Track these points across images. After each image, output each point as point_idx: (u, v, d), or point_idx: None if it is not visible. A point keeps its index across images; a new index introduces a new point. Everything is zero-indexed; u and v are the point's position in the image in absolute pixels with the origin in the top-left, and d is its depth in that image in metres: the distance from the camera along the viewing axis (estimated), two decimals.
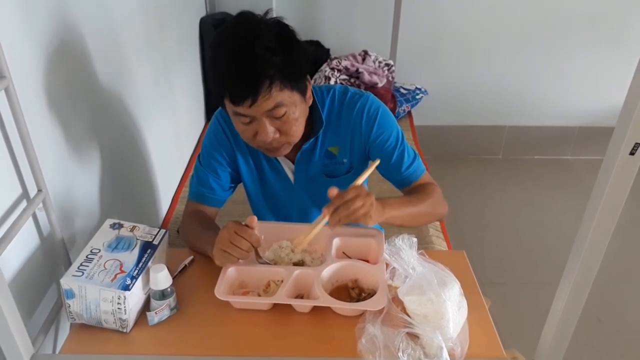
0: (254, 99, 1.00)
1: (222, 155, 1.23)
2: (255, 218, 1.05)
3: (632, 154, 0.68)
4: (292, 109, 1.06)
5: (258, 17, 1.04)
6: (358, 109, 1.19)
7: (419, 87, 2.78)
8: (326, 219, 1.02)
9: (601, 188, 0.72)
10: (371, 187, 1.40)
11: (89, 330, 0.99)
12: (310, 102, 1.14)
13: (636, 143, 0.67)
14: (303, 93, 1.09)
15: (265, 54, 0.98)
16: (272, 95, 1.01)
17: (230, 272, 1.06)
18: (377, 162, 1.16)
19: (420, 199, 1.19)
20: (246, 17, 1.05)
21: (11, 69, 0.90)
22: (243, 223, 1.05)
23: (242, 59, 0.99)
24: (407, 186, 1.25)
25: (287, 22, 1.07)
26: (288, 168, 1.26)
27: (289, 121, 1.07)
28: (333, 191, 1.02)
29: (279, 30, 1.03)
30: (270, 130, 1.06)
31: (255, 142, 1.11)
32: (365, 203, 1.01)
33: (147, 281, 1.00)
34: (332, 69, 2.54)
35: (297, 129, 1.11)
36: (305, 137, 1.17)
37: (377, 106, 1.21)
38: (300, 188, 1.28)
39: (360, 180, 1.09)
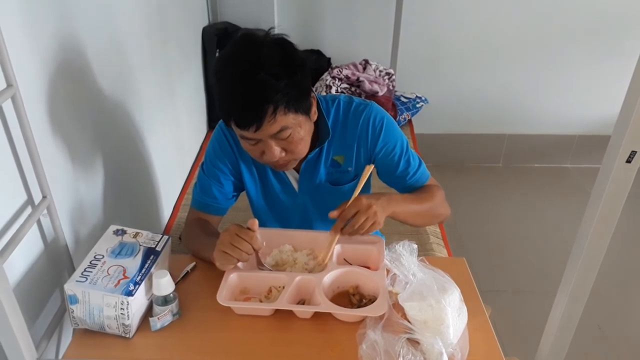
0: (259, 125, 1.01)
1: (226, 165, 1.23)
2: (257, 221, 1.06)
3: (628, 161, 0.69)
4: (297, 129, 1.07)
5: (260, 39, 1.03)
6: (364, 120, 1.20)
7: (419, 95, 2.80)
8: (337, 237, 1.10)
9: (598, 195, 0.73)
10: (374, 191, 1.41)
11: (92, 335, 1.00)
12: (315, 117, 1.15)
13: (632, 151, 0.68)
14: (308, 112, 1.10)
15: (268, 80, 0.98)
16: (277, 120, 1.01)
17: (232, 278, 1.06)
18: (372, 167, 1.18)
19: (424, 198, 1.23)
20: (248, 40, 1.03)
21: (18, 78, 0.91)
22: (245, 226, 1.06)
23: (246, 86, 0.99)
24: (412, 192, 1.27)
25: (288, 32, 1.06)
26: (292, 177, 1.27)
27: (294, 141, 1.08)
28: (334, 213, 1.09)
29: (282, 52, 1.02)
30: (276, 151, 1.07)
31: (262, 160, 1.12)
32: (369, 215, 1.07)
33: (149, 287, 1.01)
34: (333, 77, 2.56)
35: (303, 147, 1.12)
36: (310, 146, 1.17)
37: (382, 116, 1.22)
38: (304, 196, 1.29)
39: (358, 190, 1.13)
